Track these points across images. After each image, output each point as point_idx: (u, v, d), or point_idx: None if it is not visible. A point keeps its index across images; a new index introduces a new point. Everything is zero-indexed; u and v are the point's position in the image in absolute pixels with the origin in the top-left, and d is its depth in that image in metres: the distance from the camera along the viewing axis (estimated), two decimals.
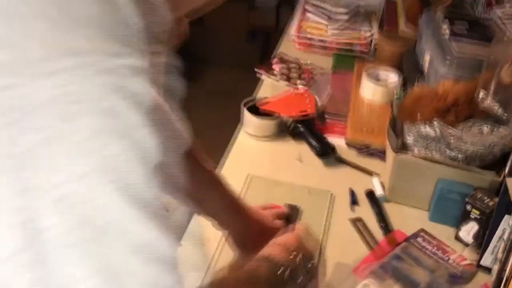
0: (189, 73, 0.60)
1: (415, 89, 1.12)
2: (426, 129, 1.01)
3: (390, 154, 1.01)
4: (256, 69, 1.46)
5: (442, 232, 0.97)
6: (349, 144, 1.17)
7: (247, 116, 1.18)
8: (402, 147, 1.02)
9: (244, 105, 1.20)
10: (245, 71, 1.58)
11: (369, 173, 1.11)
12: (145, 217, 0.37)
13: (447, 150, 0.98)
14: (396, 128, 1.08)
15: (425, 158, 0.97)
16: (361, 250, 0.93)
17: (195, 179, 0.77)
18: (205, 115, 2.41)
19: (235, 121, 1.22)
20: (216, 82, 2.93)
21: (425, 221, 1.00)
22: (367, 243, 0.94)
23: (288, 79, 1.43)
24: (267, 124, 1.18)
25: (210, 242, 0.91)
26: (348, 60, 1.52)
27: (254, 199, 1.00)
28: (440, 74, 1.11)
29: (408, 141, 1.03)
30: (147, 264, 0.37)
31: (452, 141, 0.98)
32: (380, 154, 1.14)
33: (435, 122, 1.01)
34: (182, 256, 0.43)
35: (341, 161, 1.14)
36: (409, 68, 1.32)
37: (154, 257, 0.37)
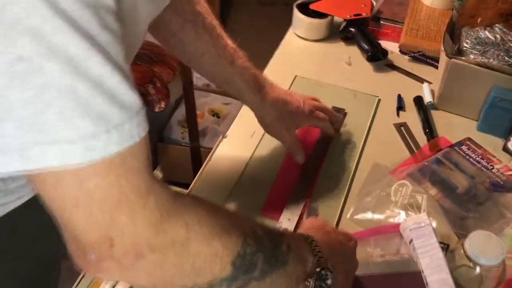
0: None
1: None
2: (486, 34, 0.95)
3: (443, 58, 0.96)
4: None
5: (490, 142, 0.94)
6: (402, 48, 1.12)
7: (297, 15, 1.15)
8: (458, 53, 0.97)
9: (297, 6, 1.17)
10: None
11: (420, 80, 1.07)
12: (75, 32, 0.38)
13: (506, 57, 0.93)
14: (454, 34, 1.03)
15: (479, 64, 0.92)
16: (402, 154, 0.92)
17: (217, 53, 0.78)
18: (257, 24, 2.37)
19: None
20: None
21: (473, 130, 0.97)
22: (409, 147, 0.93)
23: None
24: (317, 25, 1.14)
25: None
26: None
27: None
28: None
29: (464, 47, 0.98)
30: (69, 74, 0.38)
31: None
32: (434, 62, 1.09)
33: (496, 27, 0.94)
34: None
35: (392, 67, 1.11)
36: None
37: (83, 72, 0.38)
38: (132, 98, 0.41)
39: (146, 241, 0.43)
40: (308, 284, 0.55)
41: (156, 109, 1.59)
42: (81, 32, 0.38)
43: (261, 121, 0.85)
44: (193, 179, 0.87)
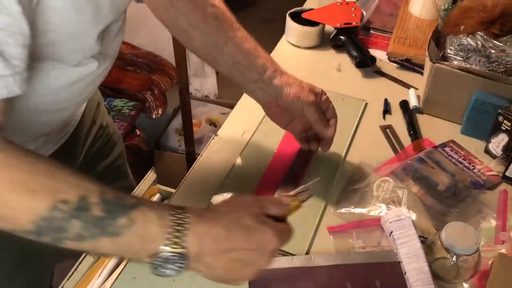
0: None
1: (464, 2, 1.09)
2: (468, 41, 0.99)
3: (428, 64, 1.00)
4: None
5: (472, 145, 0.97)
6: (390, 56, 1.16)
7: (289, 23, 1.19)
8: (442, 59, 1.01)
9: (289, 15, 1.21)
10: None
11: (406, 86, 1.11)
12: None
13: (487, 62, 0.97)
14: (439, 42, 1.07)
15: (462, 69, 0.96)
16: (387, 154, 0.95)
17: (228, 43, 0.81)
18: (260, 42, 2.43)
19: None
20: (271, 10, 2.90)
21: (456, 133, 1.00)
22: (393, 147, 0.96)
23: None
24: (309, 33, 1.19)
25: None
26: None
27: None
28: None
29: (448, 54, 1.02)
30: None
31: (494, 53, 0.96)
32: (420, 69, 1.13)
33: (478, 34, 0.98)
34: None
35: (380, 74, 1.15)
36: None
37: None
38: None
39: None
40: (151, 260, 0.54)
41: (154, 116, 1.64)
42: None
43: (279, 103, 0.84)
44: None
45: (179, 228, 0.54)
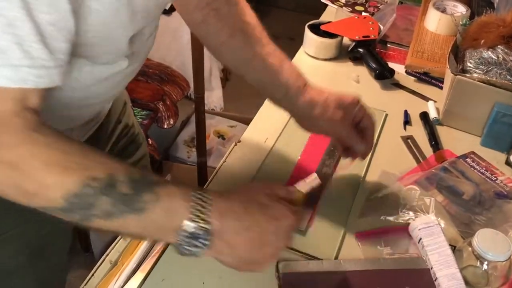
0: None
1: (482, 17, 1.11)
2: (489, 54, 1.00)
3: (448, 76, 1.01)
4: None
5: (493, 157, 0.98)
6: (408, 69, 1.18)
7: (308, 35, 1.21)
8: (462, 73, 1.03)
9: (308, 26, 1.23)
10: (310, 16, 1.59)
11: (425, 98, 1.12)
12: None
13: (508, 75, 0.98)
14: (457, 56, 1.08)
15: (483, 81, 0.97)
16: (409, 164, 0.95)
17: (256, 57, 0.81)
18: None
19: None
20: (280, 24, 2.94)
21: (477, 145, 1.01)
22: (416, 157, 0.96)
23: (354, 11, 1.43)
24: (327, 44, 1.20)
25: None
26: None
27: None
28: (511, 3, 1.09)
29: (468, 67, 1.03)
30: None
31: None
32: (438, 83, 1.15)
33: (498, 48, 1.00)
34: None
35: (398, 86, 1.16)
36: (479, 1, 1.29)
37: None
38: (40, 52, 0.51)
39: None
40: (176, 237, 0.56)
41: (165, 126, 1.64)
42: None
43: (310, 119, 0.82)
44: None
45: (202, 203, 0.56)
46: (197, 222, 0.55)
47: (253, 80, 0.83)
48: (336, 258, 0.77)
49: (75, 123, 0.79)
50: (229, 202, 0.59)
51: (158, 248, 1.09)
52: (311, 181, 0.69)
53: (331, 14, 1.39)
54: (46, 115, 0.68)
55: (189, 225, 0.55)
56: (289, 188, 0.67)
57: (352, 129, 0.81)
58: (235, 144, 0.98)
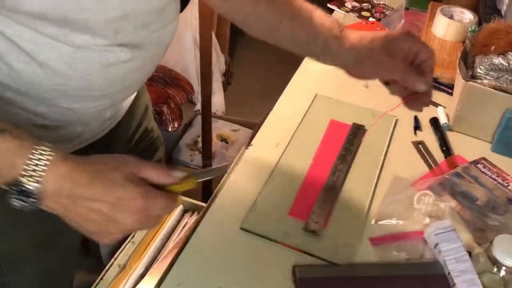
0: None
1: (490, 24, 1.11)
2: (500, 60, 1.01)
3: (459, 82, 1.01)
4: (328, 4, 1.47)
5: (504, 163, 0.98)
6: None
7: None
8: (472, 79, 1.03)
9: None
10: None
11: (435, 104, 1.12)
12: None
13: None
14: (467, 62, 1.09)
15: (494, 87, 0.97)
16: (421, 169, 0.95)
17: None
18: (263, 60, 2.45)
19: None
20: None
21: (487, 151, 1.01)
22: (427, 163, 0.97)
23: (360, 16, 1.44)
24: None
25: None
26: (422, 2, 1.50)
27: (319, 116, 1.06)
28: None
29: (478, 73, 1.04)
30: None
31: None
32: (447, 89, 1.15)
33: (509, 54, 1.01)
34: None
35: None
36: (485, 9, 1.30)
37: None
38: None
39: None
40: (8, 189, 0.56)
41: (170, 129, 1.63)
42: None
43: (356, 66, 0.78)
44: (201, 199, 0.90)
45: (37, 163, 0.54)
46: (28, 180, 0.54)
47: (288, 43, 0.79)
48: (351, 263, 0.77)
49: (83, 118, 0.76)
50: (72, 168, 0.56)
51: (166, 252, 1.09)
52: (211, 171, 0.65)
53: (339, 20, 1.39)
54: (48, 108, 0.67)
55: (20, 182, 0.54)
56: (174, 172, 0.60)
57: (406, 67, 0.74)
58: (246, 148, 0.97)
